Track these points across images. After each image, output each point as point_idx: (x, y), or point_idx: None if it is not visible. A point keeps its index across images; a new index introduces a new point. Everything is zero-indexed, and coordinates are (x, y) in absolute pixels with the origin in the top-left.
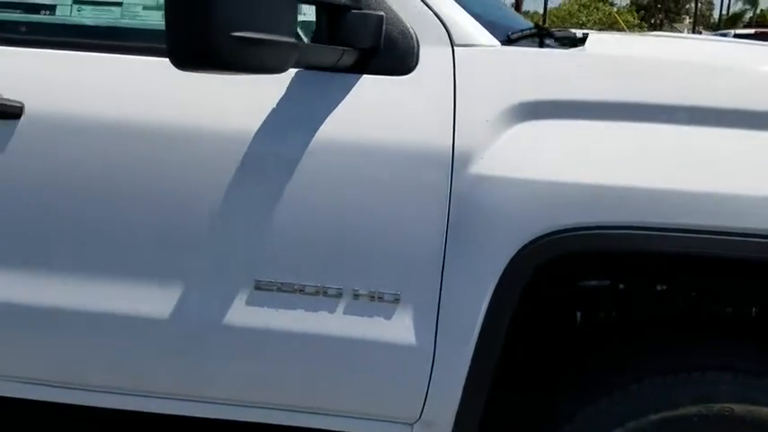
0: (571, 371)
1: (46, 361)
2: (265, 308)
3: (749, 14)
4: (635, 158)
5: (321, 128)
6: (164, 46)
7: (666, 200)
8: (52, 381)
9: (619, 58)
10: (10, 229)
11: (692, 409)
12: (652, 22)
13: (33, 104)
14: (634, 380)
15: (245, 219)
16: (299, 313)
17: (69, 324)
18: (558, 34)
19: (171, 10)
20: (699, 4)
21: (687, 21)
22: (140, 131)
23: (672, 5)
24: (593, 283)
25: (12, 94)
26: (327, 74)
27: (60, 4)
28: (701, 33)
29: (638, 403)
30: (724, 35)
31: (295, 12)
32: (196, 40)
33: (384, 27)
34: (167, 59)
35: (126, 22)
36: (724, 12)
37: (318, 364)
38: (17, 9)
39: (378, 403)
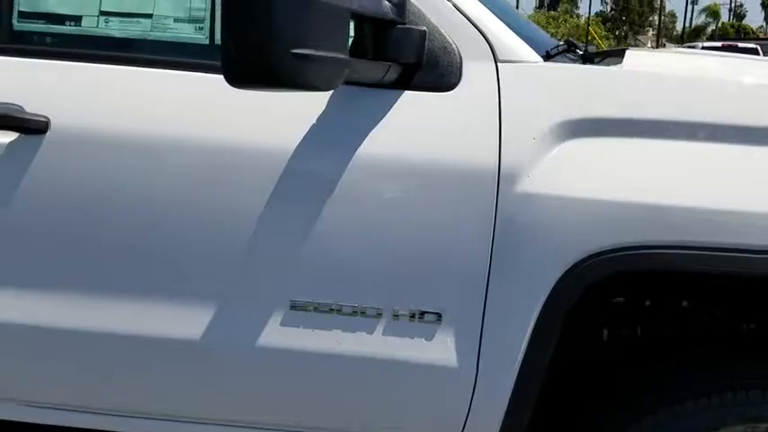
0: (612, 392)
1: (71, 384)
2: (300, 329)
3: (711, 27)
4: (688, 178)
5: (362, 144)
6: (196, 60)
7: (722, 219)
8: (76, 405)
9: (666, 75)
10: (36, 247)
11: (739, 429)
12: (617, 33)
13: (60, 119)
14: (678, 400)
15: (282, 237)
16: (336, 334)
17: (96, 346)
18: (591, 50)
19: (228, 27)
20: (662, 17)
21: (651, 33)
22: (173, 147)
23: (636, 18)
24: (640, 301)
25: (37, 109)
26: (368, 89)
27: (86, 16)
28: (664, 46)
29: (685, 423)
30: (692, 47)
31: (348, 27)
32: (255, 58)
33: (426, 42)
34: (198, 74)
35: (156, 34)
36: (687, 24)
37: (355, 386)
38: (41, 20)
39: (416, 427)
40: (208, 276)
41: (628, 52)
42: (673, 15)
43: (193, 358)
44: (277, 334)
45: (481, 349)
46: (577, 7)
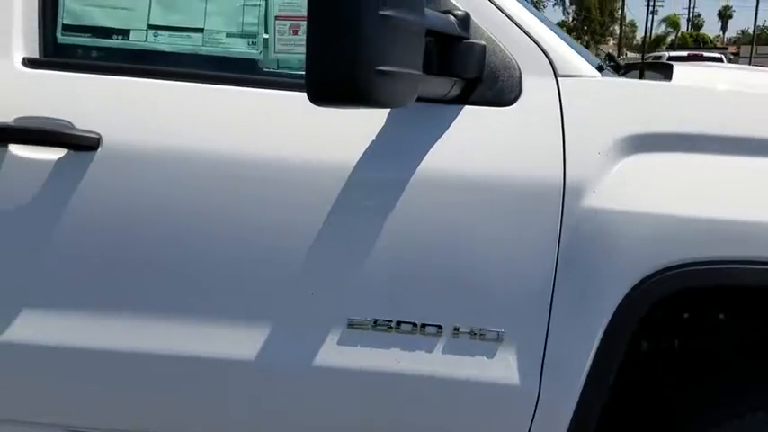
0: (674, 409)
1: (128, 409)
2: (358, 347)
3: (671, 37)
4: (755, 192)
5: (422, 160)
6: (249, 75)
7: None
8: (126, 428)
9: (726, 91)
10: (86, 267)
11: None
12: (578, 43)
13: (111, 135)
14: (739, 414)
15: (340, 253)
16: (395, 352)
17: (149, 368)
18: (635, 64)
19: (315, 46)
20: (623, 27)
21: (612, 42)
22: (228, 163)
23: (597, 28)
24: (706, 315)
25: (87, 125)
26: (428, 104)
27: (134, 29)
28: (626, 55)
29: None
30: (658, 57)
31: (423, 44)
32: (341, 76)
33: (486, 57)
34: (251, 89)
35: (208, 49)
36: (648, 34)
37: (414, 405)
38: (86, 33)
39: None
40: (264, 295)
41: (675, 67)
42: (633, 25)
43: (248, 379)
44: (334, 353)
45: (544, 367)
46: None
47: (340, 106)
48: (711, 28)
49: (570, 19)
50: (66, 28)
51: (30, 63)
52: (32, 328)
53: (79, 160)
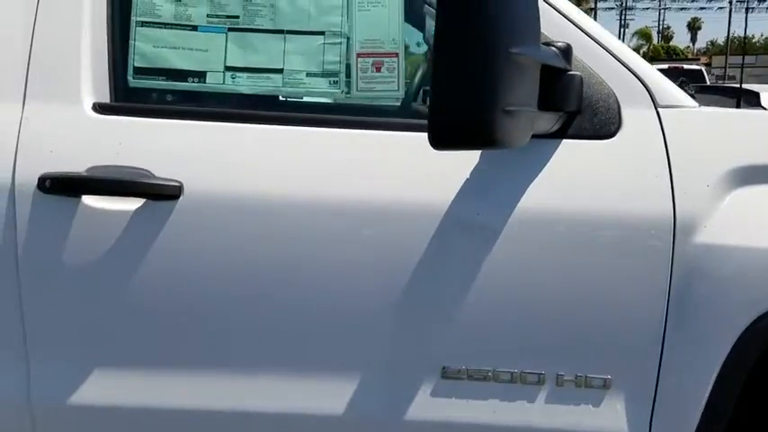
0: None
1: None
2: (453, 399)
3: (644, 49)
4: None
5: (520, 197)
6: (332, 116)
7: None
8: None
9: None
10: (172, 324)
11: None
12: None
13: (193, 183)
14: None
15: (434, 298)
16: (492, 403)
17: (234, 427)
18: (709, 88)
19: (440, 89)
20: None
21: None
22: (319, 209)
23: None
24: None
25: (167, 173)
26: None
27: (211, 71)
28: None
29: None
30: None
31: (539, 79)
32: (468, 119)
33: (584, 89)
34: (336, 129)
35: (288, 90)
36: None
37: None
38: (160, 76)
39: None
40: (354, 344)
41: (764, 95)
42: None
43: None
44: (427, 404)
45: (654, 414)
46: None
47: (461, 149)
48: (681, 39)
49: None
50: (138, 71)
51: (101, 109)
52: (118, 389)
53: (159, 210)
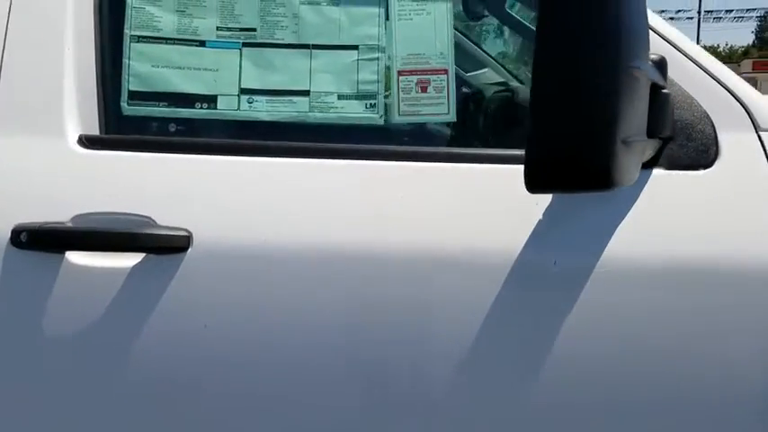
0: None
1: None
2: None
3: None
4: None
5: (606, 243)
6: (370, 146)
7: None
8: None
9: None
10: (178, 397)
11: None
12: None
13: (205, 232)
14: None
15: (499, 361)
16: None
17: None
18: None
19: (542, 119)
20: None
21: None
22: (359, 258)
23: None
24: None
25: (173, 220)
26: None
27: (223, 95)
28: None
29: None
30: None
31: (648, 100)
32: (578, 153)
33: (675, 111)
34: (374, 162)
35: (316, 116)
36: None
37: None
38: (160, 102)
39: None
40: (393, 416)
41: None
42: None
43: None
44: None
45: None
46: None
47: (567, 192)
48: None
49: (511, 50)
50: (134, 95)
51: (88, 142)
52: None
53: (163, 266)
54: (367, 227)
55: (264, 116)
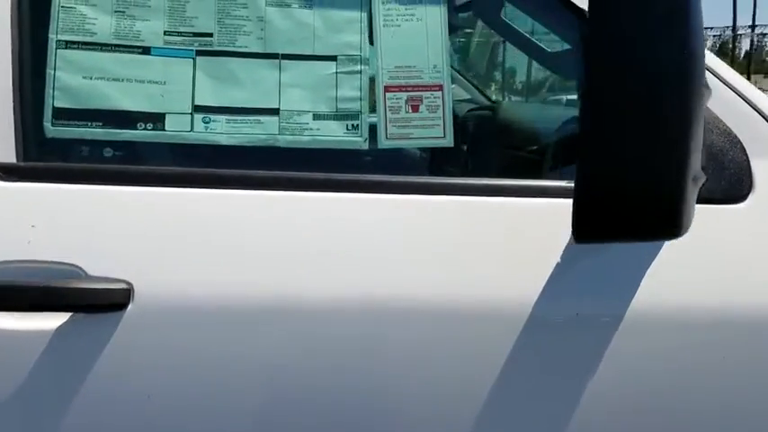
0: None
1: None
2: None
3: None
4: None
5: (633, 292)
6: (354, 176)
7: None
8: None
9: None
10: None
11: None
12: None
13: (147, 285)
14: None
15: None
16: None
17: None
18: None
19: (605, 152)
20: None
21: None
22: (341, 310)
23: None
24: None
25: (108, 270)
26: None
27: (172, 113)
28: None
29: None
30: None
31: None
32: (655, 196)
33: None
34: (355, 195)
35: (289, 139)
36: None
37: None
38: (93, 122)
39: None
40: None
41: None
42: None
43: None
44: None
45: None
46: None
47: (622, 240)
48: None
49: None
50: (60, 114)
51: (3, 172)
52: None
53: (96, 328)
54: (350, 273)
55: (224, 139)
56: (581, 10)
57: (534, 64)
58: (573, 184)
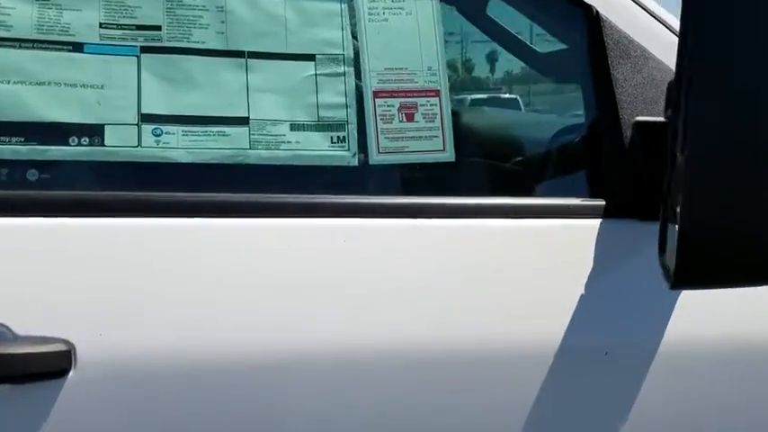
0: None
1: None
2: None
3: (452, 80)
4: None
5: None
6: (345, 199)
7: None
8: None
9: None
10: None
11: None
12: None
13: (91, 345)
14: None
15: None
16: None
17: None
18: None
19: (714, 189)
20: None
21: None
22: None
23: None
24: None
25: (42, 328)
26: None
27: (112, 124)
28: None
29: None
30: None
31: None
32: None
33: None
34: (350, 220)
35: (260, 154)
36: None
37: None
38: (12, 137)
39: None
40: None
41: None
42: None
43: None
44: None
45: None
46: None
47: (728, 287)
48: (481, 70)
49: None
50: None
51: None
52: None
53: (29, 400)
54: (340, 320)
55: (181, 156)
56: (586, 5)
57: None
58: (568, 202)
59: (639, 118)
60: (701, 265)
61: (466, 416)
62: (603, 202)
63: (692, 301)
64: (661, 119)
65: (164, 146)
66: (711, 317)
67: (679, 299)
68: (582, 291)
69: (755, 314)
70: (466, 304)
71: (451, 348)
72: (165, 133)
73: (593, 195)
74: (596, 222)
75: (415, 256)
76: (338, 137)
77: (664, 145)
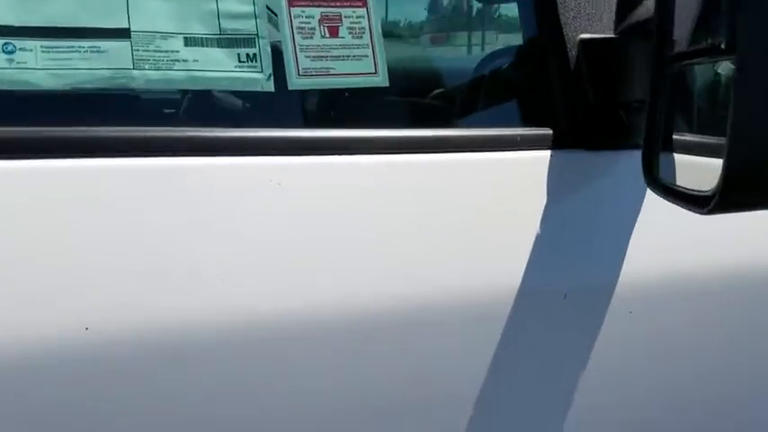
0: None
1: None
2: None
3: None
4: None
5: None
6: (257, 132)
7: None
8: None
9: None
10: None
11: None
12: None
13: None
14: None
15: None
16: None
17: None
18: None
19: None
20: None
21: None
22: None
23: None
24: None
25: None
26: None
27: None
28: None
29: None
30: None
31: None
32: None
33: None
34: (257, 159)
35: (148, 75)
36: None
37: None
38: None
39: None
40: None
41: None
42: None
43: None
44: None
45: None
46: None
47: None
48: None
49: None
50: None
51: None
52: None
53: None
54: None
55: (41, 79)
56: None
57: None
58: (491, 132)
59: (585, 35)
60: (747, 186)
61: (423, 366)
62: (551, 131)
63: (647, 236)
64: (609, 35)
65: (19, 66)
66: (668, 252)
67: (633, 234)
68: (536, 230)
69: (712, 246)
70: (410, 251)
71: (401, 298)
72: (20, 50)
73: (540, 124)
74: (545, 154)
75: (348, 198)
76: (247, 54)
77: (612, 65)
